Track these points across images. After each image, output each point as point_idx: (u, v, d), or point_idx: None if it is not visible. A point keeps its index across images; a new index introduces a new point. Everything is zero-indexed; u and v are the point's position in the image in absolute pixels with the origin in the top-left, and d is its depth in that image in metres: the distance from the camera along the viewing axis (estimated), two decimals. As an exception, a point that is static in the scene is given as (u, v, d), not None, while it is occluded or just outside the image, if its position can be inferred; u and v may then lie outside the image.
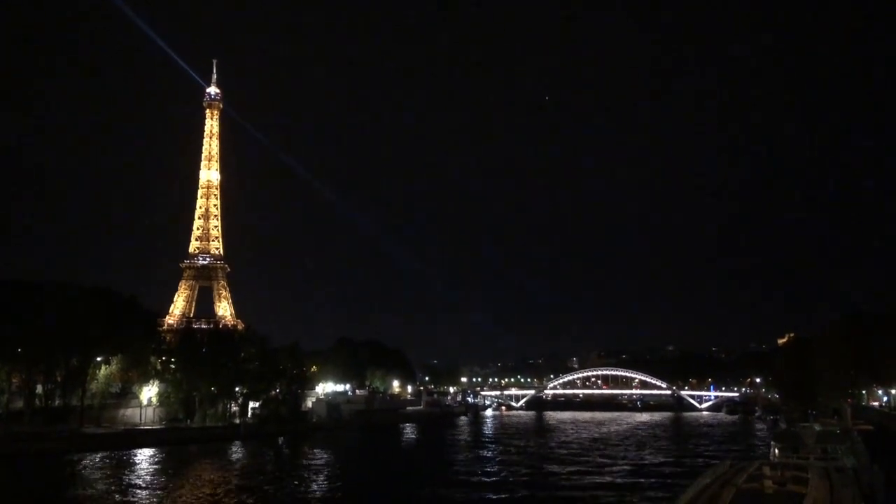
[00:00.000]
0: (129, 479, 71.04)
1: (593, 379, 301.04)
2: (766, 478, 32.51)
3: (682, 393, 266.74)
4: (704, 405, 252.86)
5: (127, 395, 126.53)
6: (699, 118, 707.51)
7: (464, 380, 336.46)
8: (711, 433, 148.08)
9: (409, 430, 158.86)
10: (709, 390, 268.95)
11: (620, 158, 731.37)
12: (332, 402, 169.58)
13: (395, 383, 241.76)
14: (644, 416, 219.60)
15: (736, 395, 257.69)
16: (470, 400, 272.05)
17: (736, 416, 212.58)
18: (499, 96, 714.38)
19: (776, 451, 49.23)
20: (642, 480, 71.12)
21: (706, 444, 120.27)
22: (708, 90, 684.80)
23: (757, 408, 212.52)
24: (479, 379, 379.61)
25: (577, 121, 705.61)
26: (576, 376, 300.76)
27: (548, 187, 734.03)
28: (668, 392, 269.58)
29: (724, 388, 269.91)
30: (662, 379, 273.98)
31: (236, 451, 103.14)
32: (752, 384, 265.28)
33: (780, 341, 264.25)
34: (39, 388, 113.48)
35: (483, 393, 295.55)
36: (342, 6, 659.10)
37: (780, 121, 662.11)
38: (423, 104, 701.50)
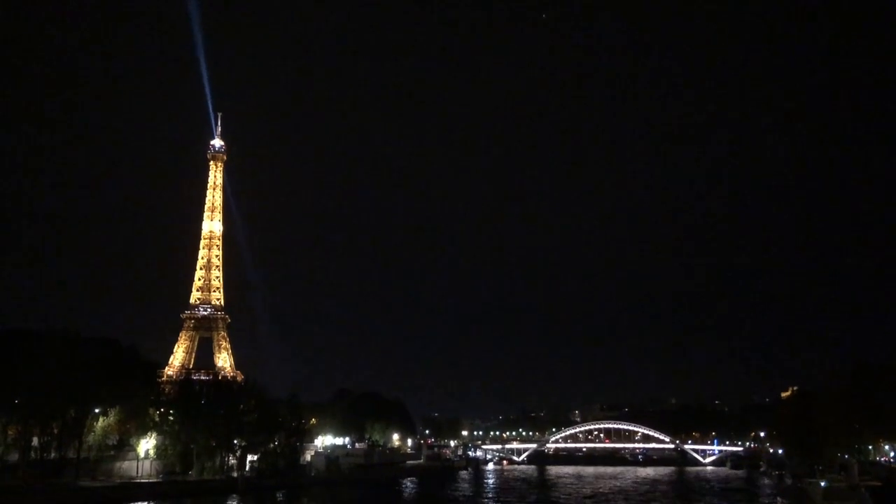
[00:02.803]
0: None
1: (595, 432, 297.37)
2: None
3: (686, 447, 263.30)
4: (708, 459, 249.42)
5: (124, 447, 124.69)
6: (699, 158, 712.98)
7: (465, 433, 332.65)
8: (716, 489, 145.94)
9: (410, 485, 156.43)
10: (712, 444, 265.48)
11: (620, 209, 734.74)
12: (330, 455, 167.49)
13: (395, 436, 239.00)
14: (648, 471, 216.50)
15: (740, 449, 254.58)
16: (471, 454, 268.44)
17: (741, 471, 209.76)
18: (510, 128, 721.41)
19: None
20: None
21: (712, 500, 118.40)
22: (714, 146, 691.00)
23: (762, 462, 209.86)
24: (481, 432, 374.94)
25: (574, 166, 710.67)
26: (578, 430, 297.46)
27: (545, 236, 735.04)
28: (671, 446, 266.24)
29: (727, 442, 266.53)
30: (665, 432, 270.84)
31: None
32: (757, 438, 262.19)
33: (784, 394, 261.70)
34: (35, 441, 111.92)
35: (484, 447, 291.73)
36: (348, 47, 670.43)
37: (788, 163, 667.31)
38: (429, 144, 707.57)
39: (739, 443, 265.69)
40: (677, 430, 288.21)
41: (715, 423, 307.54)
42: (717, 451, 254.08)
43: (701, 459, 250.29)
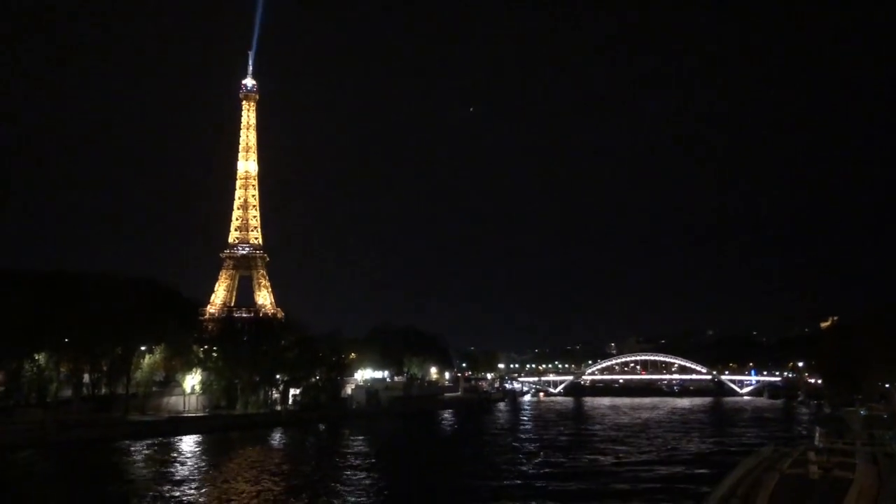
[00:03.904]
0: (176, 466, 72.49)
1: (632, 364, 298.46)
2: (812, 463, 32.03)
3: (723, 377, 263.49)
4: (745, 390, 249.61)
5: (170, 383, 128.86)
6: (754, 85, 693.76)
7: (501, 366, 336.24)
8: (753, 418, 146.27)
9: (448, 417, 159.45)
10: (749, 375, 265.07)
11: (663, 140, 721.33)
12: (370, 388, 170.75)
13: (433, 370, 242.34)
14: (684, 402, 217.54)
15: (778, 379, 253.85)
16: (508, 386, 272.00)
17: (778, 401, 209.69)
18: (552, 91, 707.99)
19: (821, 436, 48.44)
20: (684, 465, 70.62)
21: (748, 429, 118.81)
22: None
23: (800, 392, 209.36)
24: (517, 365, 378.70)
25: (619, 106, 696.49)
26: (614, 362, 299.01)
27: (583, 173, 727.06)
28: (708, 377, 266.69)
29: (765, 373, 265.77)
30: (702, 364, 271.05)
31: (278, 438, 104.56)
32: (795, 368, 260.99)
33: (824, 325, 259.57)
34: (86, 377, 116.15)
35: (521, 379, 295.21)
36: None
37: (831, 100, 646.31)
38: (462, 90, 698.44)
39: (777, 373, 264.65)
40: (714, 361, 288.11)
41: (752, 355, 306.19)
42: (754, 382, 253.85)
43: (738, 390, 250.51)
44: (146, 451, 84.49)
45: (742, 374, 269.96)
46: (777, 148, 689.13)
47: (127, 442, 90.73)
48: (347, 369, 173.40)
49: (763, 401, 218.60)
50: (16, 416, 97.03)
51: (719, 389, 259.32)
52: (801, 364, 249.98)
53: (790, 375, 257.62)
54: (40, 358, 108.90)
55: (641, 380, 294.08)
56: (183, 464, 74.10)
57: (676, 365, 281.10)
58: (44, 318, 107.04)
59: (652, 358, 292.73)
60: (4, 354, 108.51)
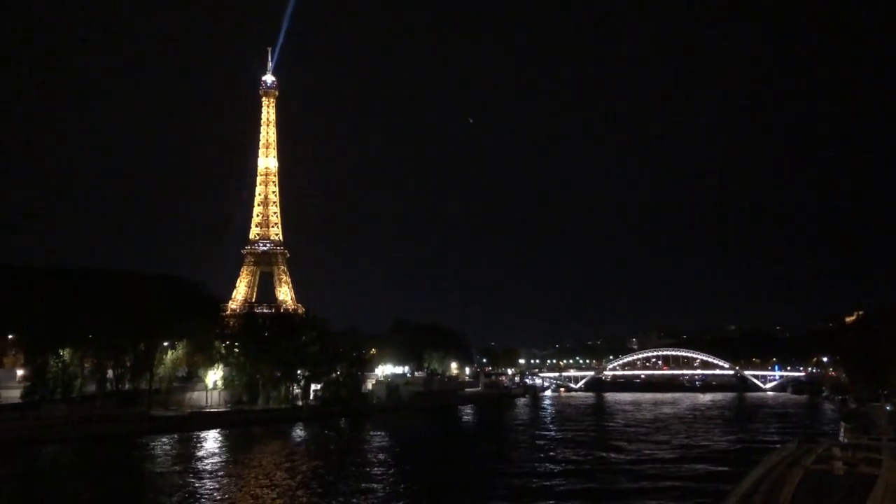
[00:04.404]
0: (200, 460, 73.13)
1: (653, 360, 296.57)
2: (836, 459, 31.65)
3: (746, 373, 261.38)
4: (768, 385, 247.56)
5: (193, 378, 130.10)
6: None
7: (521, 361, 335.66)
8: (777, 414, 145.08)
9: (468, 412, 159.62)
10: (773, 370, 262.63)
11: (687, 133, 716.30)
12: (391, 384, 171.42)
13: (453, 365, 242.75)
14: (707, 397, 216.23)
15: (802, 374, 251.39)
16: (528, 381, 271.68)
17: (802, 396, 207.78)
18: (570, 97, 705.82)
19: (846, 431, 47.92)
20: (707, 462, 70.11)
21: (772, 424, 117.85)
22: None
23: (824, 388, 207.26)
24: (538, 361, 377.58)
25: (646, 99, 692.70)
26: (635, 357, 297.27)
27: (604, 168, 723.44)
28: (731, 372, 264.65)
29: (788, 368, 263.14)
30: (724, 358, 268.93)
31: (299, 433, 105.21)
32: (819, 363, 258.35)
33: (849, 319, 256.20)
34: (110, 373, 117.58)
35: (542, 374, 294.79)
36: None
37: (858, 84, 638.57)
38: (488, 90, 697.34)
39: (801, 368, 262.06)
40: (737, 356, 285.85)
41: (775, 349, 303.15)
42: (777, 377, 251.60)
43: (761, 385, 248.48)
44: (170, 446, 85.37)
45: (765, 369, 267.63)
46: (802, 139, 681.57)
47: (151, 437, 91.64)
48: (368, 365, 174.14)
49: (787, 396, 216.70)
50: (42, 411, 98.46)
51: (742, 385, 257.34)
52: (825, 359, 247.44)
53: (814, 370, 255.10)
54: (65, 354, 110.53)
55: (663, 375, 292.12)
56: (206, 458, 74.74)
57: (698, 360, 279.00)
58: (69, 315, 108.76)
59: (673, 353, 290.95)
60: (30, 350, 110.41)
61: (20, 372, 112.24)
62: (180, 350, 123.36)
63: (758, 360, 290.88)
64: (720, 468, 65.20)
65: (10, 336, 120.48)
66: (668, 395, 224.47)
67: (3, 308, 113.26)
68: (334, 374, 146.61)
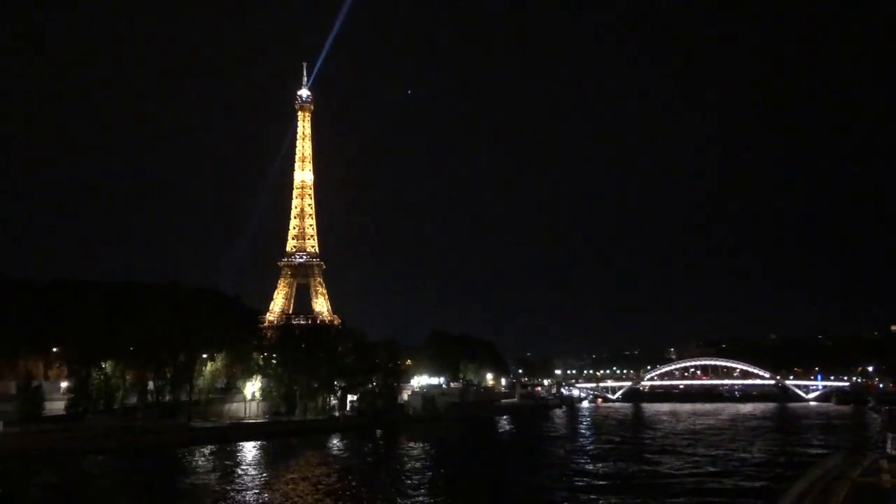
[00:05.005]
0: (240, 471, 73.78)
1: (692, 369, 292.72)
2: (884, 471, 31.00)
3: (787, 382, 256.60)
4: (811, 395, 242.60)
5: (231, 390, 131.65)
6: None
7: (558, 372, 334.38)
8: (821, 425, 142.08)
9: (504, 422, 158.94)
10: (815, 379, 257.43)
11: (721, 136, 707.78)
12: (427, 394, 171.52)
13: (489, 376, 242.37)
14: (747, 407, 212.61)
15: (846, 384, 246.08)
16: (565, 392, 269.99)
17: (847, 407, 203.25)
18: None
19: (893, 443, 46.82)
20: (749, 475, 68.80)
21: (816, 436, 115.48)
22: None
23: (870, 398, 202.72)
24: (574, 371, 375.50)
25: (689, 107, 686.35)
26: (674, 367, 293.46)
27: (639, 176, 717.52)
28: (772, 382, 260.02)
29: (832, 378, 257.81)
30: (764, 368, 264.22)
31: (336, 443, 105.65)
32: (864, 373, 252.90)
33: (894, 328, 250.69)
34: (150, 385, 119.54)
35: (578, 385, 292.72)
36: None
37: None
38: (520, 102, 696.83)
39: (845, 378, 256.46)
40: (777, 365, 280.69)
41: (818, 358, 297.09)
42: (820, 387, 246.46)
43: (804, 395, 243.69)
44: (209, 457, 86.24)
45: (807, 378, 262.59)
46: (843, 145, 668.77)
47: (191, 447, 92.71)
48: (404, 376, 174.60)
49: (831, 406, 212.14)
50: (85, 422, 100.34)
51: (783, 394, 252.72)
52: (870, 368, 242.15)
53: (859, 380, 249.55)
54: (107, 366, 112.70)
55: (702, 385, 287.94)
56: (245, 469, 75.42)
57: (738, 370, 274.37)
58: (111, 328, 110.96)
59: (713, 363, 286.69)
60: (74, 363, 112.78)
61: (64, 384, 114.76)
62: (219, 361, 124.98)
63: (799, 370, 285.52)
64: (763, 482, 63.93)
65: (54, 349, 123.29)
66: (708, 406, 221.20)
67: (47, 322, 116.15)
68: (370, 385, 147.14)
